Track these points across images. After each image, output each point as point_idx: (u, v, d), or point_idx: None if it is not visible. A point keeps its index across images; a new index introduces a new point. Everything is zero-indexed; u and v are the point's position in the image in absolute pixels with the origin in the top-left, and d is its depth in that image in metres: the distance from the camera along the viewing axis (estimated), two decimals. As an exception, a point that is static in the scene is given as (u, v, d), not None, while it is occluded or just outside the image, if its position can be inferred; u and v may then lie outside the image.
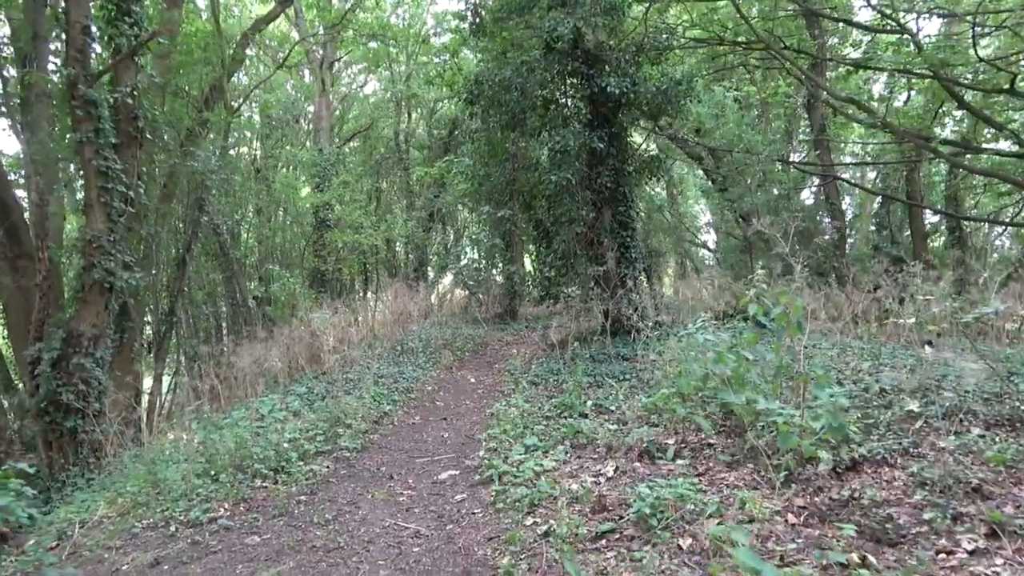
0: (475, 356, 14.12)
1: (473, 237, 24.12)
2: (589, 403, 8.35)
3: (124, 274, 9.94)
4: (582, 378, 9.32)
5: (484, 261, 19.00)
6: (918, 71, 13.02)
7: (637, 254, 12.20)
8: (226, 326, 20.15)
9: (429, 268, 26.76)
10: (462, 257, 26.81)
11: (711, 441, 6.26)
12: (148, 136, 10.84)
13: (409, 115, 26.96)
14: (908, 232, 23.97)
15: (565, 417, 7.96)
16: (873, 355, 8.28)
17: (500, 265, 19.25)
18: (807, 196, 23.92)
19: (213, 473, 6.60)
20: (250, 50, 20.54)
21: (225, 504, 5.95)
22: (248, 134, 25.42)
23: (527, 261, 25.74)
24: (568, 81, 11.92)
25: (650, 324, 11.66)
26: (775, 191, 20.98)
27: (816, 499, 4.76)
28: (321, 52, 23.47)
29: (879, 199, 23.71)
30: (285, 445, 7.26)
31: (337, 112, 27.68)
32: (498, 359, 13.56)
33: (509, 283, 18.54)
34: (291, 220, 21.68)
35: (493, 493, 5.67)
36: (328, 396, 9.87)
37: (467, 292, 19.40)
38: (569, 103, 11.92)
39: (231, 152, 21.21)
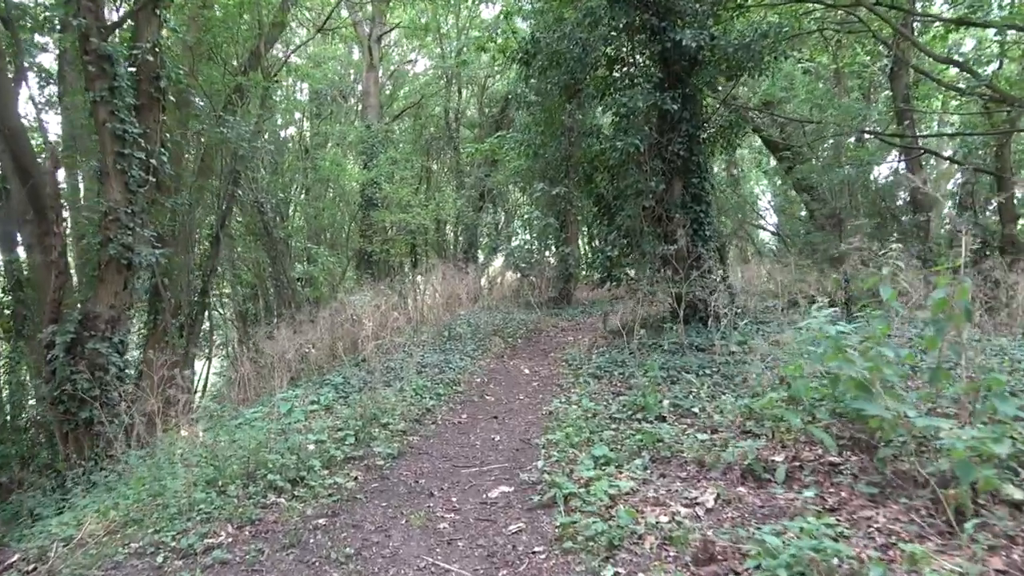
0: (528, 343, 12.82)
1: (525, 217, 22.78)
2: (665, 403, 6.99)
3: (145, 250, 8.89)
4: (656, 372, 7.94)
5: (537, 242, 17.64)
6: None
7: (712, 231, 10.71)
8: (272, 309, 19.28)
9: (479, 250, 25.55)
10: (513, 238, 25.51)
11: (832, 460, 4.85)
12: (174, 100, 9.75)
13: (460, 91, 25.66)
14: (992, 215, 21.92)
15: (638, 420, 6.63)
16: None
17: (554, 246, 17.88)
18: (881, 174, 21.88)
19: (221, 484, 5.44)
20: (294, 21, 19.48)
21: (228, 527, 4.78)
22: (297, 115, 24.53)
23: (581, 243, 24.29)
24: (636, 37, 10.44)
25: (732, 311, 10.21)
26: (847, 168, 19.13)
27: (1014, 555, 3.37)
28: (369, 26, 22.31)
29: (957, 176, 21.47)
30: (310, 447, 6.09)
31: (387, 91, 26.58)
32: (553, 347, 12.24)
33: (563, 265, 17.17)
34: (338, 199, 20.64)
35: (558, 525, 4.36)
36: (366, 387, 8.69)
37: (519, 275, 18.10)
38: (637, 60, 10.43)
39: (275, 126, 20.26)
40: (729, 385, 7.46)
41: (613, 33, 10.34)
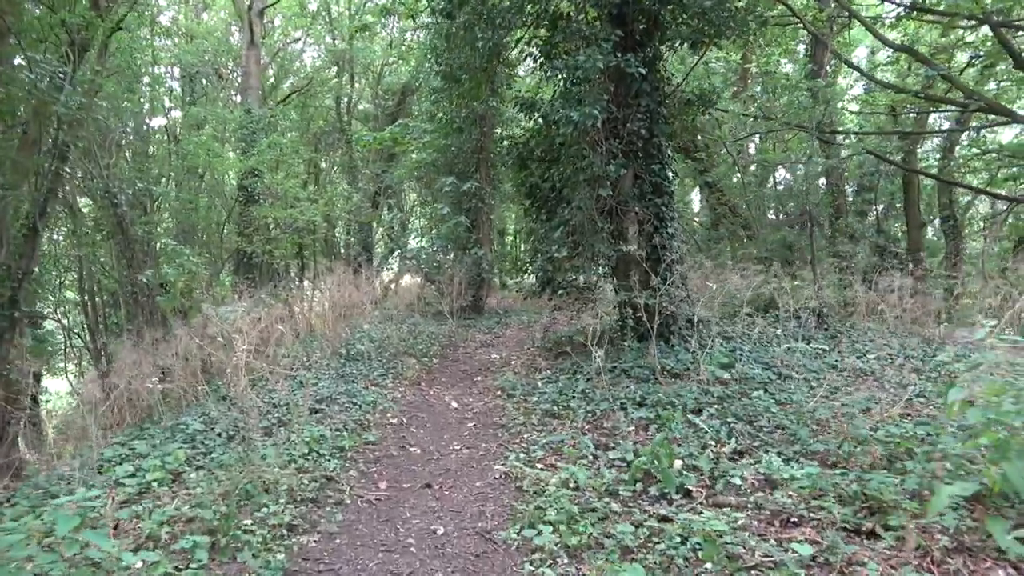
0: (446, 363, 10.29)
1: (429, 216, 20.14)
2: (678, 464, 4.70)
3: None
4: (676, 424, 5.70)
5: (446, 243, 15.10)
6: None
7: (675, 229, 8.58)
8: (133, 320, 15.66)
9: (375, 252, 22.74)
10: (411, 240, 22.80)
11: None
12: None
13: (352, 80, 22.71)
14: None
15: (653, 499, 4.34)
16: None
17: (466, 248, 15.41)
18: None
19: None
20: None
21: None
22: (167, 102, 20.80)
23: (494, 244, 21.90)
24: (586, -11, 8.17)
25: (700, 325, 8.14)
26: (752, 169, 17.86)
27: None
28: (250, -3, 19.02)
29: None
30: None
31: (270, 73, 23.23)
32: (478, 368, 9.77)
33: (476, 270, 14.74)
34: (211, 193, 17.25)
35: None
36: (236, 438, 5.94)
37: (424, 280, 15.49)
38: (589, 16, 8.15)
39: (139, 108, 16.67)
40: (757, 434, 5.26)
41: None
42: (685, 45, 8.48)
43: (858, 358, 7.71)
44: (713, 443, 5.13)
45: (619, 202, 8.34)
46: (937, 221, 21.82)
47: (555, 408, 6.66)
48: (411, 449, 6.09)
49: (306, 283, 19.14)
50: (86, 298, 15.57)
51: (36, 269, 8.82)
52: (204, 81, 21.29)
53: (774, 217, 20.91)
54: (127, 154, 17.12)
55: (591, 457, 5.24)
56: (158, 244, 12.32)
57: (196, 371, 7.66)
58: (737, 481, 4.38)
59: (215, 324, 7.40)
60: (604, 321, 9.48)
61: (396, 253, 22.46)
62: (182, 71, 20.89)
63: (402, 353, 9.97)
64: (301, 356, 9.77)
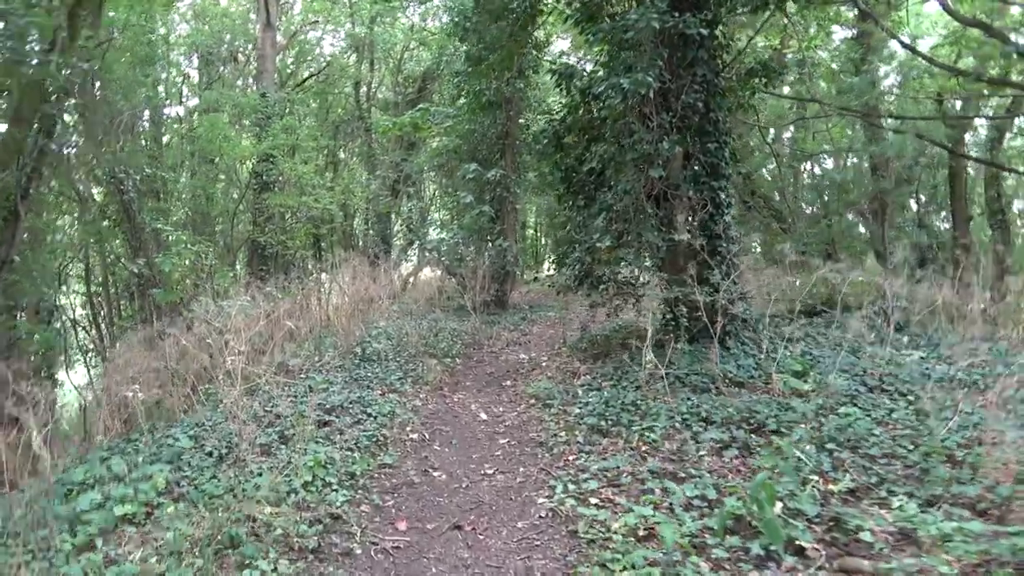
0: (470, 364, 9.25)
1: (451, 206, 19.08)
2: (778, 506, 3.61)
3: None
4: (792, 455, 4.62)
5: (469, 234, 14.02)
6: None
7: (732, 218, 7.46)
8: (147, 313, 14.71)
9: (393, 244, 21.73)
10: (432, 231, 21.71)
11: None
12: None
13: (372, 64, 21.65)
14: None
15: (756, 563, 3.25)
16: None
17: (489, 240, 14.33)
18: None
19: None
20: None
21: None
22: (185, 91, 19.85)
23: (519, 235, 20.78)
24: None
25: (760, 326, 7.02)
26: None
27: None
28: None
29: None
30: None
31: (288, 59, 22.26)
32: (507, 370, 8.71)
33: (501, 262, 13.67)
34: (224, 179, 16.30)
35: None
36: (228, 458, 4.93)
37: (445, 273, 14.43)
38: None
39: (155, 96, 15.67)
40: (870, 467, 4.15)
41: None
42: (745, 8, 7.33)
43: (949, 365, 6.55)
44: (815, 477, 4.03)
45: (669, 185, 7.22)
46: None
47: (603, 423, 5.57)
48: (435, 474, 5.03)
49: (324, 275, 18.17)
50: (92, 289, 14.74)
51: (17, 258, 7.82)
52: (221, 67, 20.33)
53: (810, 209, 19.70)
54: (142, 140, 16.26)
55: (659, 492, 4.16)
56: (163, 233, 11.28)
57: (190, 375, 6.64)
58: (866, 536, 3.28)
59: (206, 322, 6.37)
60: (649, 319, 8.42)
61: (416, 245, 21.43)
62: (200, 57, 19.97)
63: (422, 353, 8.92)
64: (312, 356, 8.78)
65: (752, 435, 4.87)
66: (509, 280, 14.41)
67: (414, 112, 15.87)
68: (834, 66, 15.58)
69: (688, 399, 5.70)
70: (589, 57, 8.11)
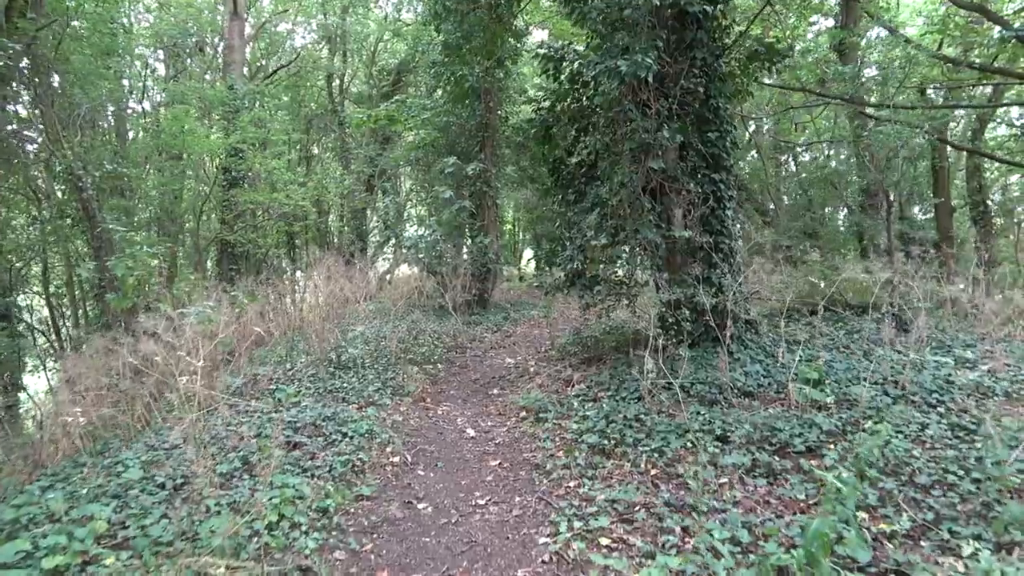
0: (453, 370, 8.59)
1: (428, 201, 18.34)
2: (826, 564, 3.02)
3: None
4: (853, 496, 4.03)
5: (449, 231, 13.33)
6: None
7: (734, 211, 6.89)
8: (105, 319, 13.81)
9: (370, 240, 20.97)
10: (408, 228, 20.93)
11: None
12: None
13: (345, 57, 20.81)
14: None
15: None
16: None
17: (469, 236, 13.65)
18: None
19: None
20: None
21: None
22: (151, 83, 18.82)
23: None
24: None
25: (763, 328, 6.49)
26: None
27: None
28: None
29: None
30: None
31: (259, 53, 21.32)
32: (492, 376, 8.08)
33: (482, 260, 13.00)
34: (188, 173, 15.36)
35: None
36: (180, 493, 4.26)
37: (423, 271, 13.72)
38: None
39: (119, 90, 14.71)
40: (923, 500, 3.59)
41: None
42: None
43: (970, 369, 6.04)
44: (862, 514, 3.46)
45: (666, 178, 6.63)
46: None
47: (604, 442, 4.96)
48: (420, 506, 4.38)
49: (299, 274, 17.36)
50: (51, 291, 13.84)
51: None
52: (187, 59, 19.35)
53: (790, 202, 19.28)
54: (104, 136, 15.35)
55: (680, 531, 3.56)
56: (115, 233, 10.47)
57: (144, 392, 5.91)
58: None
59: (155, 334, 5.61)
60: (643, 320, 7.84)
61: (392, 242, 20.66)
62: (165, 50, 18.99)
63: (402, 358, 8.25)
64: (284, 362, 8.09)
65: (776, 457, 4.29)
66: (491, 278, 13.74)
67: (389, 104, 15.12)
68: (812, 56, 15.14)
69: (698, 413, 5.11)
70: (573, 44, 7.42)
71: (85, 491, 4.57)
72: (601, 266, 6.94)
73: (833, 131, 18.15)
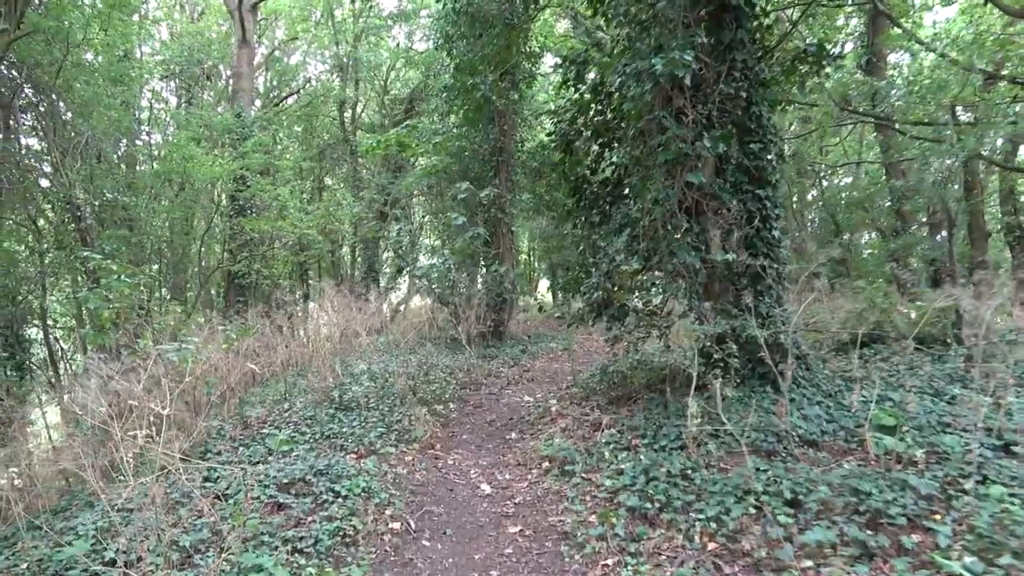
0: (466, 411, 7.73)
1: (440, 228, 17.61)
2: None
3: None
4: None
5: (463, 259, 12.54)
6: None
7: (779, 233, 6.04)
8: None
9: (383, 271, 20.26)
10: (421, 257, 20.19)
11: None
12: None
13: (357, 85, 20.30)
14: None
15: None
16: None
17: (484, 265, 12.85)
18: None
19: None
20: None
21: None
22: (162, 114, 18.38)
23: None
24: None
25: (815, 364, 5.60)
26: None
27: None
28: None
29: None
30: None
31: (272, 82, 20.90)
32: (510, 419, 7.20)
33: (497, 289, 12.19)
34: (192, 202, 14.72)
35: None
36: (137, 569, 3.42)
37: (435, 302, 12.89)
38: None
39: (129, 120, 14.18)
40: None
41: None
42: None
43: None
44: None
45: (703, 196, 5.80)
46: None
47: (647, 505, 4.07)
48: (425, 595, 3.50)
49: (312, 305, 16.62)
50: (48, 324, 13.13)
51: None
52: (197, 88, 18.93)
53: (815, 227, 18.46)
54: (107, 165, 14.82)
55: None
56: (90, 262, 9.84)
57: (108, 444, 5.09)
58: None
59: (109, 378, 4.81)
60: (675, 354, 6.98)
61: (405, 272, 19.92)
62: (173, 78, 18.60)
63: (410, 398, 7.39)
64: (281, 402, 7.27)
65: (868, 531, 3.38)
66: (506, 309, 12.91)
67: (399, 129, 14.47)
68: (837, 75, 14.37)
69: (757, 469, 4.21)
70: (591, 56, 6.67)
71: (24, 567, 3.77)
72: (633, 294, 6.09)
73: (859, 152, 17.34)
